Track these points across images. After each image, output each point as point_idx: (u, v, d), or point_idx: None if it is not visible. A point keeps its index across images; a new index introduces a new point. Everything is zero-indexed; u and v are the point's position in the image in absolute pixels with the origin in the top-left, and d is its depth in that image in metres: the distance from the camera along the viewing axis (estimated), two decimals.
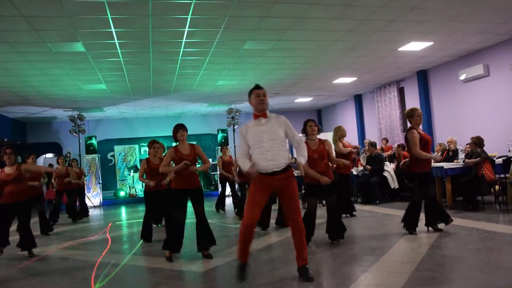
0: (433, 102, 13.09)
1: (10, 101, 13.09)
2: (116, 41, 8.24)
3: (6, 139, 15.73)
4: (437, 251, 5.14)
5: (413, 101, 13.80)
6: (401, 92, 14.56)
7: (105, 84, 11.83)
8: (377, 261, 4.81)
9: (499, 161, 8.48)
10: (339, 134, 8.20)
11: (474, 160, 8.22)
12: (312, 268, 4.43)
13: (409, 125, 6.30)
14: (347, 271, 4.53)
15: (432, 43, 9.98)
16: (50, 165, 10.83)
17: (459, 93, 11.79)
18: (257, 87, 4.40)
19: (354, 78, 13.68)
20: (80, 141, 16.32)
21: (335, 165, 6.72)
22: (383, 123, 15.38)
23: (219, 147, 14.93)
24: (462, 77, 11.43)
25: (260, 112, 4.32)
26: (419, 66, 12.67)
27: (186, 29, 7.89)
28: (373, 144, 10.94)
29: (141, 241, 7.23)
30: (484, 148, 8.35)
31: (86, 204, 12.87)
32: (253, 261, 5.33)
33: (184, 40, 8.50)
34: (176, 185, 5.64)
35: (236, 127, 16.98)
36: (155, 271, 5.18)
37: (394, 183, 10.44)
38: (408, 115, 6.30)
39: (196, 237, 5.72)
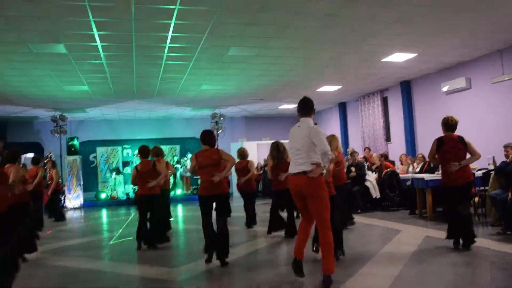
0: (416, 112, 13.21)
1: None
2: (98, 43, 8.13)
3: None
4: (413, 264, 5.14)
5: (396, 111, 13.92)
6: (384, 102, 14.65)
7: (88, 86, 11.68)
8: (355, 274, 4.78)
9: (478, 174, 8.55)
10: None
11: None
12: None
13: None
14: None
15: (415, 54, 10.07)
16: (24, 165, 9.81)
17: (442, 104, 11.91)
18: None
19: (339, 87, 13.72)
20: (62, 141, 16.08)
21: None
22: (367, 131, 15.44)
23: None
24: (445, 88, 11.56)
25: None
26: (402, 77, 12.78)
27: (170, 34, 7.82)
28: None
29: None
30: None
31: (56, 210, 11.78)
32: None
33: (167, 44, 8.42)
34: (201, 192, 5.74)
35: (219, 132, 16.88)
36: (133, 278, 5.09)
37: (375, 193, 10.50)
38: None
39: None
